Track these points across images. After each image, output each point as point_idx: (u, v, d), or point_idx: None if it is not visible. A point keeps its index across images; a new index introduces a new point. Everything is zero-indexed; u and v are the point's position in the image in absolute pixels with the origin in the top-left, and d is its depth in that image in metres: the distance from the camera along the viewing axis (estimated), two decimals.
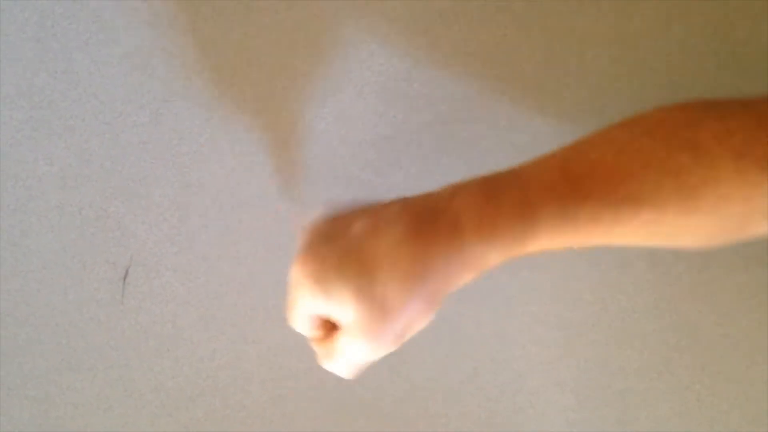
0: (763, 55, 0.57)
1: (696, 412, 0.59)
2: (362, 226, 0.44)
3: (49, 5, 0.59)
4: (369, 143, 0.59)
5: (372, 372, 0.60)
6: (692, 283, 0.59)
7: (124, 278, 0.60)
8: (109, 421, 0.60)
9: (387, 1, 0.58)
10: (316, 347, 0.48)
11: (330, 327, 0.48)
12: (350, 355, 0.46)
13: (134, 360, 0.60)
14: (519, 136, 0.59)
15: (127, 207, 0.60)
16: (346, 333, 0.45)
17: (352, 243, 0.44)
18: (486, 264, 0.44)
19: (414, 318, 0.44)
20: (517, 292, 0.59)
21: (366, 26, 0.59)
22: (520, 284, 0.59)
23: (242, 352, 0.60)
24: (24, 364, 0.60)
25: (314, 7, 0.59)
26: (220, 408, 0.60)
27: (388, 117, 0.59)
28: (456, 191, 0.44)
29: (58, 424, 0.60)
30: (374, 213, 0.45)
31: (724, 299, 0.59)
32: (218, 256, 0.60)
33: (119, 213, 0.60)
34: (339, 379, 0.59)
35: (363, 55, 0.59)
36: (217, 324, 0.60)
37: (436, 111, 0.59)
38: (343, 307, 0.44)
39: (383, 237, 0.43)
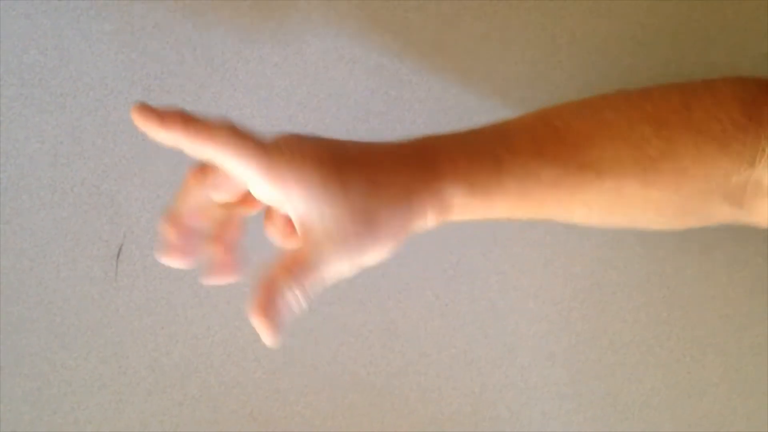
0: (752, 30, 0.58)
1: (686, 385, 0.59)
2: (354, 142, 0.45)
3: None
4: (361, 120, 0.59)
5: (365, 347, 0.60)
6: (682, 258, 0.59)
7: (118, 256, 0.60)
8: (104, 399, 0.61)
9: None
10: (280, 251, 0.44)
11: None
12: (324, 265, 0.42)
13: (128, 337, 0.60)
14: (509, 114, 0.59)
15: (120, 184, 0.60)
16: (322, 237, 0.42)
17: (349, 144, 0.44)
18: (452, 203, 0.45)
19: (385, 238, 0.43)
20: (508, 268, 0.60)
21: (358, 2, 0.59)
22: (512, 260, 0.60)
23: (236, 329, 0.60)
24: (17, 343, 0.60)
25: None
26: (215, 384, 0.60)
27: (380, 93, 0.59)
28: (437, 139, 0.46)
29: (53, 402, 0.61)
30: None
31: (713, 273, 0.59)
32: None
33: (112, 191, 0.60)
34: (332, 355, 0.60)
35: (355, 32, 0.59)
36: (211, 301, 0.60)
37: (429, 87, 0.59)
38: (330, 199, 0.41)
39: (378, 151, 0.44)
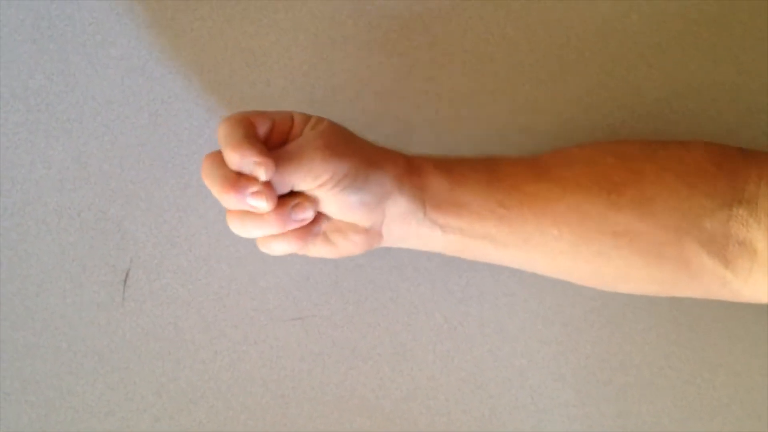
0: (761, 49, 0.58)
1: (697, 406, 0.59)
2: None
3: (45, 6, 0.59)
4: None
5: (374, 371, 0.60)
6: None
7: (125, 281, 0.60)
8: (111, 425, 0.60)
9: (386, 1, 0.58)
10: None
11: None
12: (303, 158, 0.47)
13: (135, 362, 0.60)
14: (517, 136, 0.59)
15: (127, 209, 0.60)
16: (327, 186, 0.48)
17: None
18: (426, 172, 0.51)
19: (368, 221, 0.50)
20: (517, 290, 0.59)
21: (364, 26, 0.59)
22: (521, 281, 0.59)
23: (243, 353, 0.60)
24: (24, 368, 0.60)
25: (312, 7, 0.59)
26: (222, 410, 0.60)
27: (388, 117, 0.59)
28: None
29: (59, 429, 0.60)
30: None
31: None
32: (218, 257, 0.60)
33: (118, 215, 0.60)
34: (341, 379, 0.60)
35: (362, 54, 0.59)
36: (218, 325, 0.60)
37: (437, 108, 0.59)
38: (341, 170, 0.47)
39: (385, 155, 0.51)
